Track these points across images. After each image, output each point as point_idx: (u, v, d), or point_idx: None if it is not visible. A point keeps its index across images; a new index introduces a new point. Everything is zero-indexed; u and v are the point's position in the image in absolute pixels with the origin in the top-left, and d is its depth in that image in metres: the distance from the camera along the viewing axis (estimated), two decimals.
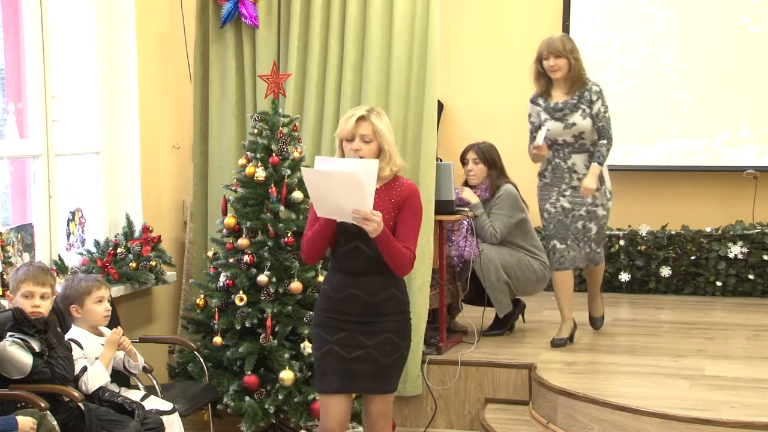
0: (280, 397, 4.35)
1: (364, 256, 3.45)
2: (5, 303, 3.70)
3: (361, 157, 3.41)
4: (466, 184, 5.47)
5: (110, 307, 3.93)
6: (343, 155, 3.49)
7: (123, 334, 3.86)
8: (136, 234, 4.81)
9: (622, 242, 6.75)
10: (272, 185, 4.53)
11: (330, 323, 3.49)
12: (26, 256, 4.17)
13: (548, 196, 5.06)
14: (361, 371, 3.45)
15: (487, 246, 5.24)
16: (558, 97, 5.02)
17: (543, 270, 5.36)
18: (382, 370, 3.48)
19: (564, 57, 4.93)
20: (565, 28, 6.93)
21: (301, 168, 3.36)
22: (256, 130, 4.60)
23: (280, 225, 4.47)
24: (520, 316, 5.57)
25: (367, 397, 3.55)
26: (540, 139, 4.91)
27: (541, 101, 5.08)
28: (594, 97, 4.94)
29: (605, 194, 5.05)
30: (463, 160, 5.46)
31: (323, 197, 3.34)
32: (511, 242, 5.33)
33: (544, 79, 5.05)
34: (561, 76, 4.97)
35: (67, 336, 3.71)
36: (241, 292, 4.45)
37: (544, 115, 5.02)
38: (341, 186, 3.26)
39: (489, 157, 5.39)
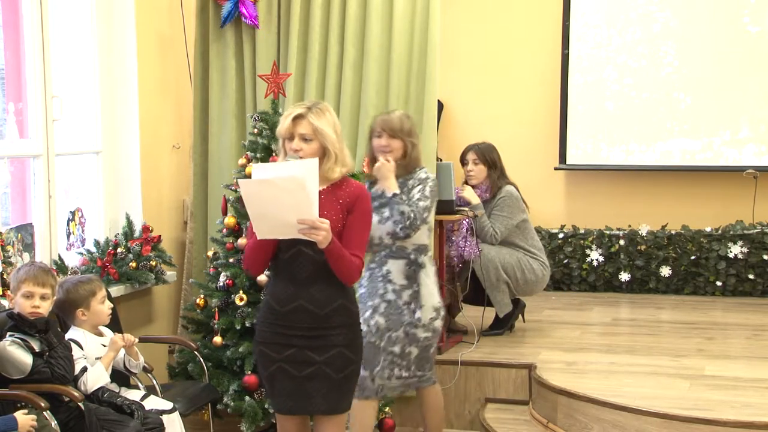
0: None
1: (310, 262, 3.18)
2: (5, 303, 3.70)
3: (300, 158, 3.15)
4: (467, 183, 5.47)
5: (111, 305, 3.95)
6: (285, 155, 3.25)
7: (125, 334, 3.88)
8: (136, 234, 4.81)
9: (622, 242, 6.75)
10: None
11: (275, 339, 3.24)
12: (26, 256, 4.17)
13: (363, 311, 3.98)
14: (314, 389, 3.22)
15: (487, 246, 5.24)
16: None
17: (542, 270, 5.36)
18: (335, 386, 3.24)
19: (400, 139, 4.02)
20: (565, 28, 6.93)
21: (238, 181, 3.06)
22: (256, 130, 4.60)
23: None
24: (520, 316, 5.57)
25: (319, 422, 3.30)
26: None
27: (367, 186, 4.06)
28: (416, 183, 4.03)
29: (425, 311, 4.06)
30: (463, 161, 5.46)
31: (265, 212, 3.04)
32: (511, 242, 5.33)
33: (374, 159, 4.11)
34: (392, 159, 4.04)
35: (67, 336, 3.71)
36: (241, 291, 4.45)
37: None
38: (283, 194, 2.98)
39: (489, 157, 5.37)
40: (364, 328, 3.86)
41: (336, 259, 3.14)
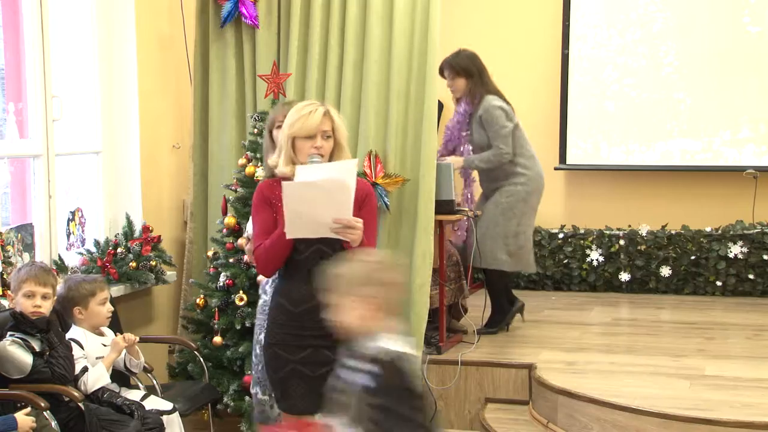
0: None
1: (327, 260, 3.14)
2: (5, 303, 3.70)
3: (320, 156, 3.17)
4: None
5: (112, 308, 3.94)
6: (293, 155, 3.21)
7: (125, 334, 3.88)
8: (136, 234, 4.82)
9: (622, 242, 6.75)
10: None
11: (289, 341, 3.21)
12: (26, 256, 4.17)
13: (264, 323, 3.64)
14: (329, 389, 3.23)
15: (480, 230, 5.20)
16: None
17: (525, 185, 5.22)
18: None
19: None
20: (565, 28, 6.93)
21: (283, 184, 3.09)
22: (256, 130, 4.61)
23: None
24: (520, 315, 5.57)
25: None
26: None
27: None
28: None
29: None
30: (443, 77, 5.33)
31: (302, 213, 3.04)
32: None
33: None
34: None
35: (67, 336, 3.71)
36: (241, 291, 4.45)
37: None
38: (326, 195, 3.01)
39: (462, 68, 5.26)
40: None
41: None
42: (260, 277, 4.33)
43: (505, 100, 5.27)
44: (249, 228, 3.70)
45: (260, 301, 3.85)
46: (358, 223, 3.09)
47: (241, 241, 4.48)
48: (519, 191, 5.26)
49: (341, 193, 3.03)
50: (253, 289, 4.47)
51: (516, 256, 5.27)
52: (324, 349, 3.19)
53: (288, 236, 3.10)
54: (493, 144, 5.17)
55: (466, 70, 5.24)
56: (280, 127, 3.74)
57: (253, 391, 3.86)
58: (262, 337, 3.70)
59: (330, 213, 3.04)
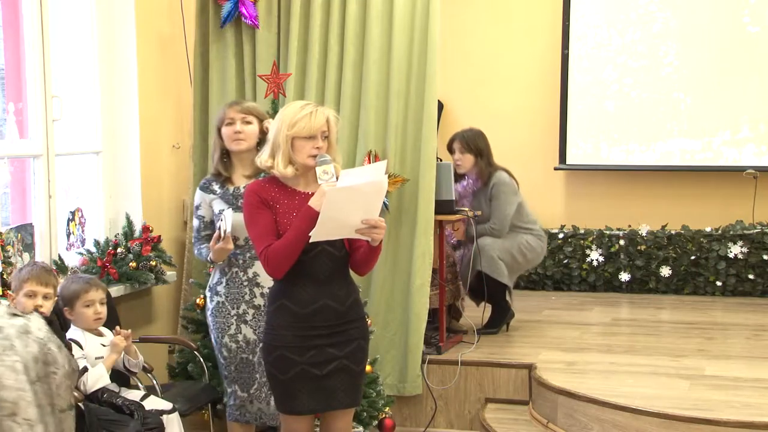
0: None
1: (331, 260, 3.21)
2: (5, 302, 3.70)
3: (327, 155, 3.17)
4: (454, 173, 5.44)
5: (101, 310, 3.84)
6: (292, 155, 3.20)
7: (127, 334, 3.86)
8: (136, 234, 4.81)
9: (622, 242, 6.75)
10: None
11: (296, 342, 3.21)
12: (26, 256, 4.17)
13: (225, 324, 3.84)
14: (336, 386, 3.24)
15: (483, 239, 5.25)
16: (239, 180, 3.86)
17: (538, 242, 5.44)
18: (356, 379, 3.30)
19: (257, 124, 3.85)
20: (565, 28, 6.94)
21: (326, 190, 3.05)
22: None
23: None
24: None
25: (331, 418, 3.34)
26: (227, 225, 3.62)
27: (216, 187, 3.90)
28: None
29: None
30: (450, 149, 5.47)
31: (336, 216, 3.02)
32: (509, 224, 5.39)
33: (225, 154, 3.93)
34: (246, 148, 3.79)
35: (67, 335, 3.70)
36: None
37: (219, 205, 3.86)
38: (362, 197, 3.02)
39: (474, 146, 5.39)
40: (231, 345, 3.83)
41: (378, 253, 3.23)
42: None
43: (511, 175, 5.43)
44: (225, 225, 3.64)
45: (213, 304, 3.88)
46: (382, 222, 3.10)
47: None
48: (539, 243, 5.46)
49: (377, 195, 3.06)
50: None
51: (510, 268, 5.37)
52: (328, 347, 3.23)
53: (313, 239, 3.09)
54: (492, 217, 5.33)
55: (478, 149, 5.39)
56: (230, 124, 3.87)
57: (230, 389, 3.89)
58: (226, 339, 3.84)
59: (360, 215, 3.06)
